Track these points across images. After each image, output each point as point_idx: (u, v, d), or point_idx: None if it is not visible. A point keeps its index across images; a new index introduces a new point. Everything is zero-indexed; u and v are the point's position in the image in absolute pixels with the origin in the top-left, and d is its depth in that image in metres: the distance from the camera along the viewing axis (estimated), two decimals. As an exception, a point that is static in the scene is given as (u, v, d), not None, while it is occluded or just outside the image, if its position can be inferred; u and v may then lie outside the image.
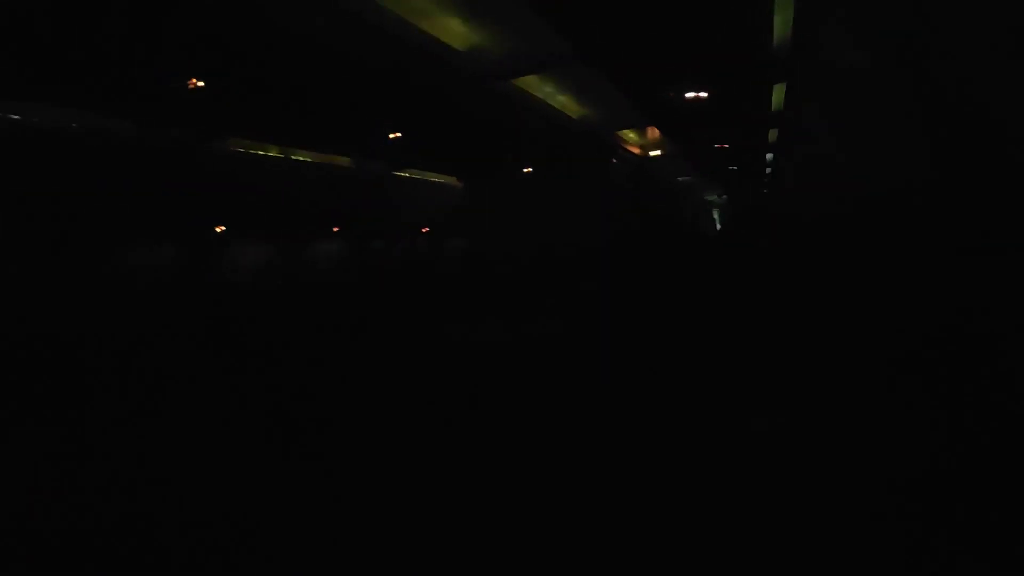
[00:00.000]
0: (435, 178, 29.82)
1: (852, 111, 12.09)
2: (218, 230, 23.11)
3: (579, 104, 20.81)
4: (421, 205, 29.86)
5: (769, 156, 28.57)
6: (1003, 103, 5.21)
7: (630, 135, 27.12)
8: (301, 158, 22.62)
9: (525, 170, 27.32)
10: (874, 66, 9.49)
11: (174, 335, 10.30)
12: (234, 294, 19.63)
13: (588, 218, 26.34)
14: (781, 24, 11.19)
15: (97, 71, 11.85)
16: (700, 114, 16.13)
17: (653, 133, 26.20)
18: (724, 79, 13.10)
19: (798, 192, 26.20)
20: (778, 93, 16.25)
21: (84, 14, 9.49)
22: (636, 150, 29.56)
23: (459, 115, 18.09)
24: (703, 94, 13.97)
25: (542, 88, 18.39)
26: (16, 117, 13.71)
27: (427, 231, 31.62)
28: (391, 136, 19.27)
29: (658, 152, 30.03)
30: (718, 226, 54.11)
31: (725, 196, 51.93)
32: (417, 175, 28.81)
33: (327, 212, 25.63)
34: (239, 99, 14.65)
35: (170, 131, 16.82)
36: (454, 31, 13.24)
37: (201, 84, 12.76)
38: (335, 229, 27.87)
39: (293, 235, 25.97)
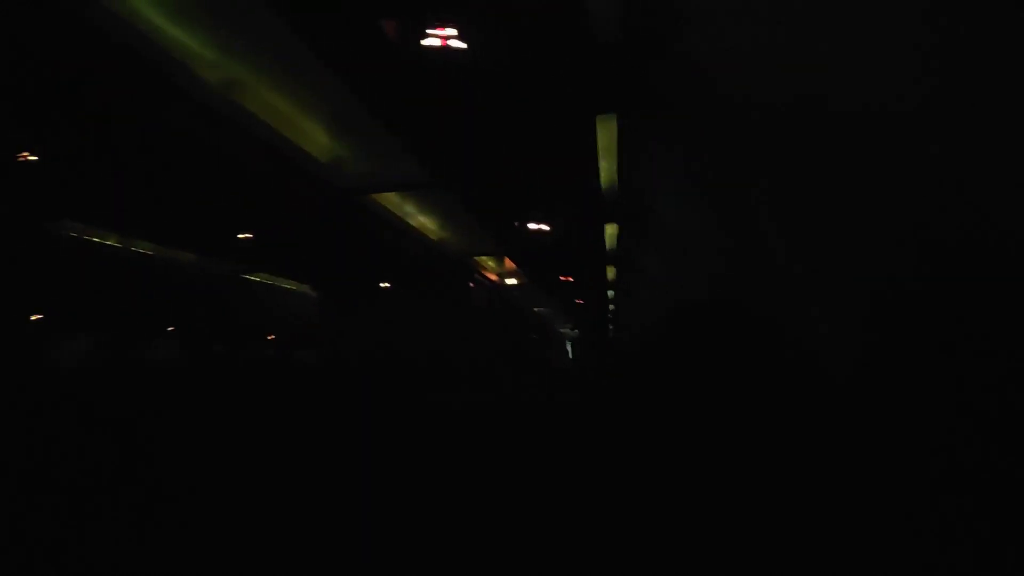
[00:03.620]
0: (287, 284, 29.20)
1: (674, 253, 13.58)
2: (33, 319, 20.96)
3: (438, 227, 21.72)
4: (269, 310, 28.92)
5: (611, 293, 30.87)
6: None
7: (488, 262, 28.39)
8: (142, 250, 21.48)
9: (382, 285, 27.54)
10: (691, 215, 10.87)
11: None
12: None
13: (446, 337, 26.61)
14: (607, 169, 12.75)
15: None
16: (544, 247, 17.44)
17: (508, 262, 27.62)
18: (561, 214, 14.46)
19: (633, 326, 28.33)
20: (611, 233, 18.01)
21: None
22: (494, 277, 30.84)
23: (317, 224, 18.23)
24: (545, 227, 15.21)
25: (402, 207, 19.07)
26: None
27: (273, 338, 30.50)
28: (241, 236, 18.92)
29: (514, 281, 31.49)
30: (570, 356, 56.32)
31: (576, 330, 54.67)
32: (268, 280, 28.10)
33: (163, 310, 24.13)
34: (77, 179, 13.92)
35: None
36: (319, 142, 13.68)
37: (34, 158, 12.05)
38: (169, 328, 26.18)
39: (122, 333, 23.99)
